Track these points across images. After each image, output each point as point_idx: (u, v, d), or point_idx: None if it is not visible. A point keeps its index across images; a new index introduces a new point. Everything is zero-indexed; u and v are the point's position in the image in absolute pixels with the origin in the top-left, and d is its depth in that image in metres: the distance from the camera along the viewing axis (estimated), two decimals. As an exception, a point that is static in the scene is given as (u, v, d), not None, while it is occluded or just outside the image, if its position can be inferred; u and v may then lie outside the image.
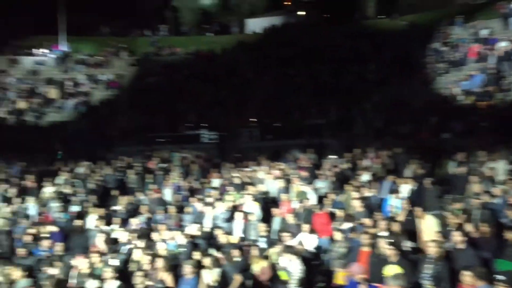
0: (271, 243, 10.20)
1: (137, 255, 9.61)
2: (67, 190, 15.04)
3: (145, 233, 10.80)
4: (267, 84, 26.77)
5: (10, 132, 24.23)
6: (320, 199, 12.50)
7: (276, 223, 11.45)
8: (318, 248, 10.11)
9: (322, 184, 13.82)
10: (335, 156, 16.44)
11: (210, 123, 23.60)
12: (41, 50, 32.15)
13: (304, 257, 9.01)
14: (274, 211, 11.81)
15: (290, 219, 11.03)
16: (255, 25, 37.71)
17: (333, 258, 9.16)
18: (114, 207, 13.76)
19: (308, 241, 9.98)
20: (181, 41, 35.73)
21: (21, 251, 9.99)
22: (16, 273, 8.32)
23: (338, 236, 9.50)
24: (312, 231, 10.29)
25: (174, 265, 8.98)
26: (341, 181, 13.57)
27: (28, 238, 10.97)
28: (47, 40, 33.08)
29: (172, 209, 12.89)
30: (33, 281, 8.13)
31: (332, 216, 11.06)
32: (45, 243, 10.43)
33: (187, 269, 8.27)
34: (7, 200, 14.27)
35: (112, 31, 38.05)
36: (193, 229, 10.97)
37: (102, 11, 40.28)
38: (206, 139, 22.95)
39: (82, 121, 25.65)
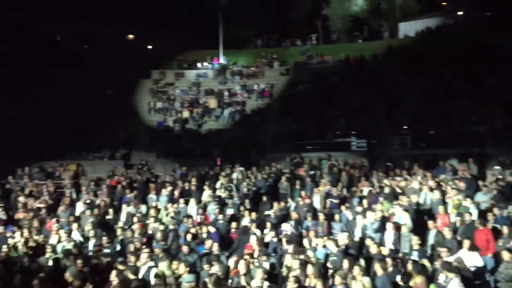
0: (425, 257, 9.66)
1: (288, 260, 9.85)
2: (223, 193, 16.07)
3: (295, 239, 11.03)
4: (421, 89, 25.44)
5: (175, 139, 26.71)
6: (482, 213, 11.49)
7: (431, 237, 10.82)
8: (481, 267, 9.28)
9: (484, 197, 12.74)
10: (499, 167, 15.01)
11: (360, 130, 23.20)
12: (203, 63, 34.97)
13: (464, 276, 8.34)
14: (429, 223, 11.17)
15: (448, 233, 10.32)
16: (408, 28, 36.16)
17: (501, 280, 8.33)
18: (266, 212, 14.33)
19: (469, 259, 9.22)
20: (330, 49, 35.87)
21: (184, 248, 10.88)
22: (181, 269, 9.10)
23: (506, 256, 8.61)
24: (473, 247, 9.49)
25: (324, 272, 9.01)
26: (506, 194, 12.32)
27: (189, 237, 11.95)
28: (208, 54, 35.90)
29: (321, 216, 12.98)
30: (196, 277, 8.81)
31: (495, 232, 10.08)
32: (207, 243, 11.24)
33: (338, 280, 8.17)
34: (172, 201, 15.73)
35: (266, 43, 39.75)
36: (343, 237, 10.89)
37: (257, 25, 42.47)
38: (355, 146, 22.61)
39: (237, 129, 27.19)
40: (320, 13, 43.69)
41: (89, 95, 29.98)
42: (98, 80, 31.67)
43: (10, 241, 12.25)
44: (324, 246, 10.37)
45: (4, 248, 11.49)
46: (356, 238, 11.30)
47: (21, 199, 16.42)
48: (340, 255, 9.76)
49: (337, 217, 12.98)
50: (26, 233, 12.84)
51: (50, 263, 10.62)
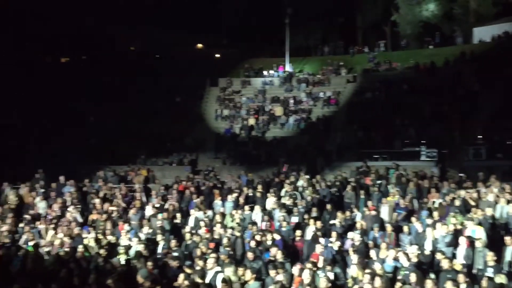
0: (501, 274, 9.14)
1: (354, 271, 9.68)
2: (288, 201, 16.05)
3: (362, 250, 10.81)
4: (497, 97, 24.17)
5: (241, 146, 27.08)
6: None
7: (508, 253, 10.23)
8: None
9: None
10: None
11: (430, 140, 22.40)
12: (269, 71, 35.27)
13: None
14: (506, 239, 10.56)
15: (527, 250, 9.72)
16: (483, 33, 34.48)
17: None
18: (331, 221, 14.15)
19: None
20: (399, 56, 34.94)
21: (250, 255, 10.97)
22: (248, 275, 9.18)
23: None
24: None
25: (391, 286, 8.77)
26: None
27: (254, 243, 12.02)
28: (274, 62, 36.18)
29: (388, 228, 12.64)
30: (261, 284, 8.86)
31: None
32: (272, 250, 11.26)
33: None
34: (238, 207, 15.93)
35: (332, 50, 39.46)
36: (412, 250, 10.53)
37: (324, 32, 42.31)
38: (425, 156, 21.84)
39: (302, 136, 27.13)
40: (389, 19, 42.72)
41: (159, 103, 31.23)
42: (168, 88, 32.90)
43: (86, 241, 12.92)
44: (396, 259, 10.06)
45: (80, 248, 12.14)
46: (427, 252, 10.89)
47: (96, 201, 17.28)
48: (412, 269, 9.43)
49: (405, 229, 12.58)
50: (100, 234, 13.49)
51: (122, 263, 11.11)
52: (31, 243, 13.15)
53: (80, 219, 15.77)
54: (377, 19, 44.11)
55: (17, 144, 25.75)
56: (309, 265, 9.46)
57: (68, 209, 16.36)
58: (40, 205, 17.12)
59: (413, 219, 12.90)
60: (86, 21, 40.37)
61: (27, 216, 16.07)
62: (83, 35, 40.45)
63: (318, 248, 11.03)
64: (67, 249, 12.38)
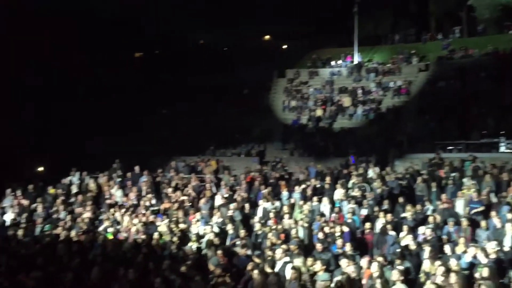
0: None
1: (426, 265, 9.39)
2: (357, 193, 15.82)
3: (436, 244, 10.46)
4: None
5: (308, 137, 26.95)
6: None
7: None
8: None
9: None
10: None
11: (510, 130, 21.14)
12: (337, 61, 34.73)
13: None
14: None
15: None
16: None
17: None
18: (402, 214, 13.79)
19: None
20: (476, 42, 33.09)
21: (318, 246, 10.96)
22: (317, 266, 9.18)
23: None
24: None
25: (468, 282, 8.41)
26: None
27: (323, 235, 11.99)
28: (342, 51, 35.56)
29: (464, 222, 12.14)
30: (330, 276, 8.84)
31: None
32: (339, 242, 11.19)
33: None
34: (306, 199, 15.91)
35: (403, 38, 38.14)
36: (491, 246, 10.04)
37: (394, 20, 40.93)
38: (504, 147, 20.65)
39: (371, 127, 26.52)
40: (465, 3, 40.52)
41: (227, 95, 31.78)
42: (236, 80, 33.38)
43: (160, 228, 13.46)
44: (475, 256, 9.62)
45: (155, 235, 12.67)
46: (506, 248, 10.34)
47: (168, 190, 17.94)
48: (493, 267, 8.99)
49: (483, 224, 12.01)
50: (172, 222, 14.00)
51: (194, 251, 11.48)
52: (110, 230, 13.90)
53: (154, 207, 16.45)
54: (452, 4, 41.95)
55: (95, 135, 27.21)
56: (379, 258, 9.29)
57: (143, 197, 17.14)
58: (117, 194, 18.05)
59: (492, 213, 12.28)
60: (156, 17, 41.62)
61: (105, 204, 17.05)
62: (155, 31, 41.79)
63: (388, 241, 10.81)
64: (143, 236, 12.97)
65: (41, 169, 25.45)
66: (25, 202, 16.85)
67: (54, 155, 24.61)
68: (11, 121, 26.30)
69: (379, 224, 12.76)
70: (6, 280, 9.89)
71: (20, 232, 13.72)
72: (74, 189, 18.64)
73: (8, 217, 15.80)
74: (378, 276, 8.41)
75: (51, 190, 18.27)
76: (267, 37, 50.52)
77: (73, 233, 13.60)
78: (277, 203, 15.82)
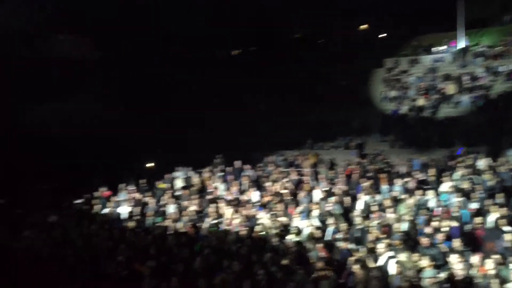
0: None
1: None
2: (465, 185, 14.92)
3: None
4: None
5: (409, 127, 25.91)
6: None
7: None
8: None
9: None
10: None
11: None
12: (439, 47, 32.91)
13: None
14: None
15: None
16: None
17: None
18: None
19: None
20: None
21: (424, 241, 10.54)
22: (425, 262, 8.84)
23: None
24: None
25: None
26: None
27: (429, 230, 11.49)
28: (445, 37, 33.62)
29: None
30: (437, 272, 8.48)
31: None
32: (442, 237, 10.66)
33: None
34: (409, 192, 15.33)
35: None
36: None
37: (503, 0, 37.72)
38: None
39: (480, 115, 24.83)
40: None
41: (324, 87, 31.50)
42: (333, 73, 32.97)
43: (261, 221, 13.77)
44: None
45: (257, 227, 13.00)
46: None
47: (268, 184, 18.25)
48: None
49: None
50: (273, 215, 14.25)
51: (295, 244, 11.60)
52: (213, 222, 14.50)
53: (256, 201, 16.85)
54: None
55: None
56: (495, 256, 8.71)
57: (245, 191, 17.62)
58: (220, 188, 18.73)
59: None
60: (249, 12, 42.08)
61: (208, 198, 17.78)
62: (251, 27, 42.39)
63: (501, 237, 10.09)
64: (245, 229, 13.37)
65: (151, 164, 27.04)
66: (138, 196, 18.11)
67: (162, 151, 26.06)
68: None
69: (491, 218, 11.95)
70: (125, 269, 10.78)
71: (133, 224, 14.83)
72: (180, 184, 19.66)
73: (124, 210, 17.07)
74: (495, 275, 7.89)
75: (160, 185, 19.44)
76: (364, 26, 49.17)
77: (180, 225, 14.39)
78: (378, 197, 15.43)
